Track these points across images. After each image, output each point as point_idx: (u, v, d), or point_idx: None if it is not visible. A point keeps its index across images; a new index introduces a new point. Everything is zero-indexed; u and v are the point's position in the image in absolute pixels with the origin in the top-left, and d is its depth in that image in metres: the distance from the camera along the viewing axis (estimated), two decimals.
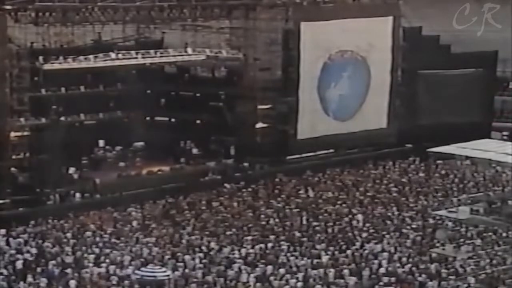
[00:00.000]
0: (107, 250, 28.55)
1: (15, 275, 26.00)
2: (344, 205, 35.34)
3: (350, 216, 33.72)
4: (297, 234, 31.27)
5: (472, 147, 39.21)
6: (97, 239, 29.88)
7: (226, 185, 37.86)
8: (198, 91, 42.40)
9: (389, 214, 34.37)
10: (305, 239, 30.71)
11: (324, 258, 28.76)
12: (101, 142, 40.04)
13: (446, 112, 45.14)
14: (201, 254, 28.70)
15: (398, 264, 28.54)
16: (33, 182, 34.19)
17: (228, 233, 30.98)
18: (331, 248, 29.88)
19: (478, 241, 31.07)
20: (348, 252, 29.57)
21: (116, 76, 39.99)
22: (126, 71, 39.76)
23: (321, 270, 27.58)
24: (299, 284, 26.61)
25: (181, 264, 27.77)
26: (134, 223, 32.05)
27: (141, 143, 40.74)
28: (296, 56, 41.97)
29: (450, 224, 33.06)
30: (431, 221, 33.45)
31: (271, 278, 26.78)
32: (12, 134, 33.91)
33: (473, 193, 37.09)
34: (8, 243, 29.28)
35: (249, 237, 30.57)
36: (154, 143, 40.05)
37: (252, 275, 26.94)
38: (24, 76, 34.03)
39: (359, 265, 28.30)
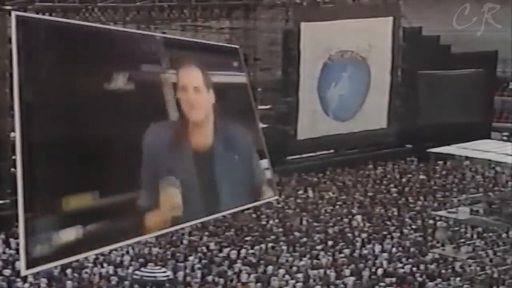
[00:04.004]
0: None
1: (15, 275, 25.98)
2: (344, 205, 35.39)
3: (350, 216, 33.77)
4: (297, 234, 31.33)
5: (472, 147, 39.17)
6: None
7: None
8: None
9: (389, 214, 34.42)
10: (305, 239, 30.76)
11: (324, 259, 28.81)
12: None
13: (446, 112, 45.11)
14: (200, 255, 28.80)
15: (398, 265, 28.59)
16: None
17: (227, 233, 31.05)
18: (331, 248, 29.95)
19: (478, 242, 31.12)
20: (348, 252, 29.64)
21: None
22: None
23: (321, 271, 27.64)
24: (299, 284, 26.67)
25: None
26: None
27: None
28: (296, 56, 42.00)
29: (450, 224, 33.08)
30: (431, 221, 33.51)
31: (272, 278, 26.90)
32: (12, 134, 33.90)
33: (473, 193, 37.10)
34: (8, 243, 29.30)
35: (249, 237, 30.65)
36: None
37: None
38: None
39: (358, 265, 28.35)
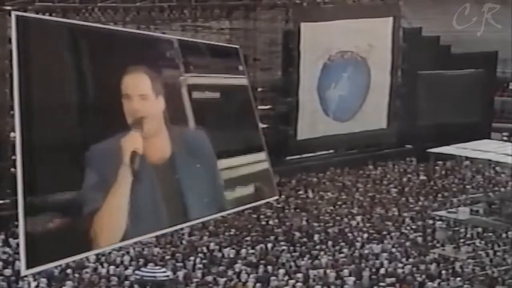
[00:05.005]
0: None
1: (15, 275, 25.97)
2: (344, 205, 35.39)
3: (349, 216, 33.77)
4: (297, 234, 31.32)
5: (472, 147, 39.21)
6: None
7: None
8: None
9: (389, 214, 34.43)
10: (305, 239, 30.75)
11: (324, 259, 28.80)
12: None
13: (446, 112, 45.15)
14: (200, 255, 28.79)
15: (398, 265, 28.57)
16: None
17: (227, 233, 31.05)
18: (331, 248, 29.95)
19: (478, 242, 31.12)
20: (348, 252, 29.63)
21: None
22: None
23: (321, 271, 27.63)
24: (299, 284, 26.65)
25: None
26: None
27: None
28: (296, 57, 42.01)
29: (450, 224, 33.09)
30: (431, 221, 33.51)
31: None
32: (12, 134, 33.89)
33: (473, 193, 37.12)
34: (8, 243, 29.30)
35: (249, 237, 30.64)
36: None
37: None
38: None
39: (358, 265, 28.34)
